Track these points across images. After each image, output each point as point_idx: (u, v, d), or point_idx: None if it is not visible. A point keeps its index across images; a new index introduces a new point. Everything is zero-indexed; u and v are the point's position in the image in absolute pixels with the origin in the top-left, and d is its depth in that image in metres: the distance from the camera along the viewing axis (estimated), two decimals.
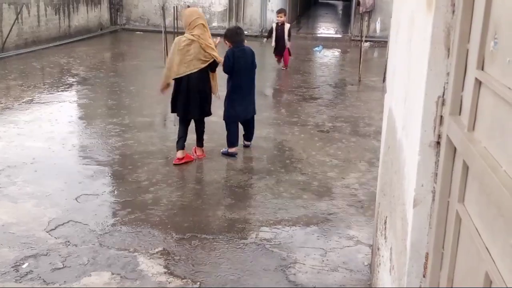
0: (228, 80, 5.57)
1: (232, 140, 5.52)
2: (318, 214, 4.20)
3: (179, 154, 5.21)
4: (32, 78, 9.07)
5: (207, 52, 5.14)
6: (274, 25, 10.77)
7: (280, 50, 10.68)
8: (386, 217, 2.72)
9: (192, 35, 5.12)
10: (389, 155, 2.79)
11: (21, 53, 11.19)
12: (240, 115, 5.58)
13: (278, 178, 4.93)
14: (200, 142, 5.46)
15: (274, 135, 6.31)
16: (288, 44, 10.61)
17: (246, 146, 5.79)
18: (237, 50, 5.48)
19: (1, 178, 4.66)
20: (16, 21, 11.42)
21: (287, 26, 10.56)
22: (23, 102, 7.33)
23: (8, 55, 10.85)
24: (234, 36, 5.54)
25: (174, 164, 5.14)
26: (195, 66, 5.13)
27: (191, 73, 5.11)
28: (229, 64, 5.42)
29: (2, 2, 11.04)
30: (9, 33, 11.13)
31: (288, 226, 3.99)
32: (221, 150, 5.58)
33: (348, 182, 4.89)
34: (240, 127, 5.71)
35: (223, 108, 5.59)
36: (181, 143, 5.25)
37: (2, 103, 7.20)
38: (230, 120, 5.54)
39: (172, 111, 5.37)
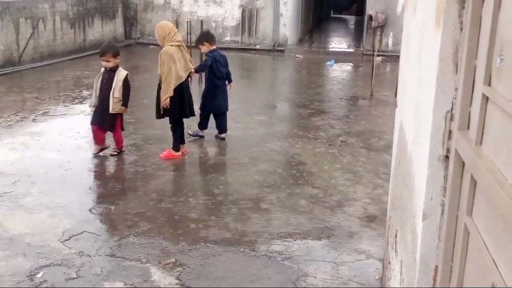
0: (210, 79, 6.40)
1: (203, 126, 6.50)
2: (329, 228, 4.22)
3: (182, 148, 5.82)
4: (48, 91, 9.23)
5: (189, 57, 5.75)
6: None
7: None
8: (397, 230, 2.74)
9: (177, 41, 5.53)
10: (400, 169, 2.81)
11: (37, 66, 11.39)
12: (216, 109, 6.46)
13: (289, 191, 4.96)
14: (183, 140, 5.86)
15: (286, 148, 6.35)
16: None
17: (222, 139, 6.46)
18: (216, 54, 6.35)
19: (17, 189, 4.75)
20: (33, 35, 11.65)
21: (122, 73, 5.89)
22: (38, 115, 7.47)
23: (25, 68, 11.05)
24: (212, 37, 6.44)
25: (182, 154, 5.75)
26: (188, 69, 5.66)
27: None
28: (206, 66, 6.26)
29: (19, 17, 11.28)
30: (25, 46, 11.36)
31: (299, 239, 4.01)
32: (190, 132, 6.44)
33: (360, 196, 4.90)
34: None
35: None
36: (181, 140, 5.80)
37: (18, 115, 7.34)
38: (207, 112, 6.47)
39: (181, 116, 5.73)
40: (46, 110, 7.68)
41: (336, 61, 13.98)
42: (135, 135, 6.57)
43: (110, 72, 5.59)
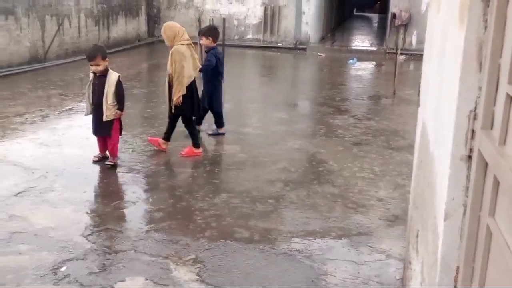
0: (212, 76, 6.39)
1: (222, 124, 6.58)
2: (350, 227, 4.21)
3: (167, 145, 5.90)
4: (72, 87, 9.38)
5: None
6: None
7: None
8: (418, 230, 2.72)
9: (186, 40, 5.58)
10: (422, 168, 2.79)
11: (62, 63, 11.59)
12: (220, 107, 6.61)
13: (310, 190, 4.96)
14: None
15: (307, 147, 6.34)
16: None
17: (222, 134, 6.56)
18: (218, 52, 6.43)
19: (42, 183, 4.85)
20: (58, 32, 11.85)
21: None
22: (63, 111, 7.60)
23: (50, 65, 11.26)
24: (217, 35, 6.43)
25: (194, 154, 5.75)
26: (197, 68, 5.78)
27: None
28: (212, 64, 6.24)
29: (45, 14, 11.48)
30: (51, 43, 11.56)
31: (319, 238, 4.01)
32: (210, 132, 6.53)
33: (381, 195, 4.87)
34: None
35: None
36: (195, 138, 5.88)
37: (43, 111, 7.48)
38: (221, 109, 6.57)
39: (192, 114, 5.81)
40: (71, 107, 7.81)
41: (359, 60, 13.90)
42: (158, 131, 6.63)
43: (100, 78, 5.27)
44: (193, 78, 5.66)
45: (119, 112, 5.37)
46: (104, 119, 5.27)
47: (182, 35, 5.58)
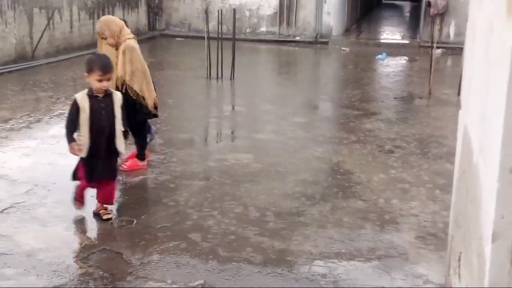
0: None
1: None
2: (381, 247, 4.18)
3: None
4: (64, 89, 9.48)
5: None
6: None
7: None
8: (461, 252, 2.70)
9: (130, 33, 5.54)
10: (464, 181, 2.77)
11: (52, 61, 11.72)
12: None
13: (334, 205, 4.94)
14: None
15: (330, 155, 6.33)
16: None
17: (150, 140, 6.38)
18: None
19: (30, 198, 4.89)
20: (48, 26, 11.99)
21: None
22: (53, 116, 7.67)
23: (39, 64, 11.38)
24: None
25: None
26: None
27: None
28: None
29: (33, 7, 11.63)
30: (39, 39, 11.70)
31: (345, 260, 3.99)
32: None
33: (416, 211, 4.83)
34: None
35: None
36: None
37: (31, 116, 7.56)
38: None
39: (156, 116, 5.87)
40: (62, 111, 7.87)
41: (388, 54, 13.87)
42: (159, 138, 6.66)
43: (105, 99, 4.39)
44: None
45: (125, 141, 4.64)
46: (123, 153, 4.59)
47: (126, 29, 5.55)
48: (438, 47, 11.98)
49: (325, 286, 3.65)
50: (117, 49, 5.44)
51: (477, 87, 2.56)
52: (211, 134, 7.38)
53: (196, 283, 3.65)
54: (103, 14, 14.37)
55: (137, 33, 16.12)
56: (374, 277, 3.78)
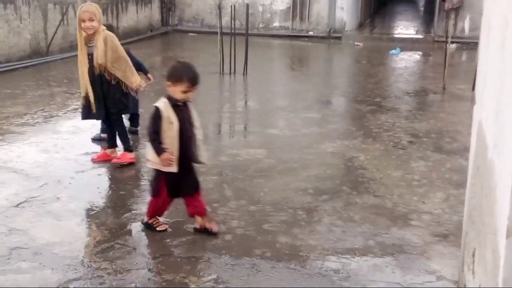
0: None
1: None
2: (394, 243, 4.17)
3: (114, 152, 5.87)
4: (78, 84, 9.47)
5: None
6: None
7: None
8: (475, 249, 2.68)
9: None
10: (478, 177, 2.75)
11: (66, 57, 11.77)
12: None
13: (347, 200, 4.93)
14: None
15: (343, 150, 6.31)
16: None
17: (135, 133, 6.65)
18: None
19: (44, 193, 4.93)
20: (62, 22, 12.06)
21: None
22: (68, 111, 7.72)
23: (53, 59, 11.46)
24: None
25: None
26: None
27: None
28: None
29: (47, 2, 11.70)
30: (54, 35, 11.77)
31: (358, 256, 3.98)
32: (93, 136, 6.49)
33: (430, 207, 4.81)
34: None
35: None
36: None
37: (46, 112, 7.62)
38: None
39: (128, 112, 6.11)
40: (76, 106, 7.92)
41: (402, 49, 13.79)
42: None
43: (185, 107, 4.15)
44: None
45: None
46: (206, 163, 4.36)
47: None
48: (452, 42, 11.89)
49: (338, 281, 3.65)
50: (92, 37, 5.43)
51: (492, 82, 2.54)
52: (224, 129, 7.39)
53: (209, 277, 3.66)
54: (117, 10, 14.44)
55: (150, 28, 16.21)
56: (387, 272, 3.77)
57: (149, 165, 4.21)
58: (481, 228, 2.51)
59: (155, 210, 4.29)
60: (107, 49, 5.41)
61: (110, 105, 5.58)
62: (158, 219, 4.32)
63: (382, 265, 3.86)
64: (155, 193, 4.22)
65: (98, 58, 5.40)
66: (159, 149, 4.00)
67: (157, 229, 4.26)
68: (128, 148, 5.80)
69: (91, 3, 5.76)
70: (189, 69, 4.09)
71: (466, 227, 3.18)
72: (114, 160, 5.69)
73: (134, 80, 5.59)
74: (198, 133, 4.15)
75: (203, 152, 4.18)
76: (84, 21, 5.35)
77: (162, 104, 4.04)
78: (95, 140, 6.46)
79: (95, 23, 5.36)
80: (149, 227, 4.29)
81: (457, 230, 4.18)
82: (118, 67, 5.48)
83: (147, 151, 4.18)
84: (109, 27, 5.79)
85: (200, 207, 4.24)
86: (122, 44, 5.68)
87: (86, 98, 5.61)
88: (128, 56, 5.81)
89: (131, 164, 5.69)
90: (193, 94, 4.13)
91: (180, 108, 4.07)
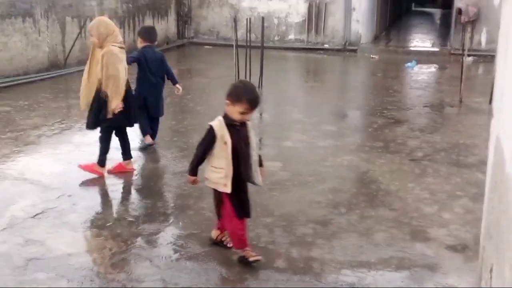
0: (141, 77, 6.62)
1: (144, 130, 6.63)
2: (410, 258, 4.13)
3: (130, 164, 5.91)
4: None
5: None
6: None
7: None
8: (492, 264, 2.65)
9: (120, 43, 5.61)
10: (496, 191, 2.72)
11: (83, 70, 11.87)
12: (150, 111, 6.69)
13: (362, 214, 4.90)
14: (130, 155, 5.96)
15: (358, 163, 6.29)
16: None
17: (151, 145, 6.64)
18: (146, 51, 6.59)
19: (61, 204, 4.97)
20: (79, 35, 12.20)
21: None
22: (84, 123, 7.76)
23: (70, 72, 11.56)
24: (146, 33, 6.76)
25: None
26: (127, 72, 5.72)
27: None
28: (132, 57, 6.44)
29: (65, 15, 11.85)
30: (71, 48, 11.89)
31: (374, 270, 3.95)
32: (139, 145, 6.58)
33: (447, 221, 4.77)
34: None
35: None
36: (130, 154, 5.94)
37: (63, 123, 7.69)
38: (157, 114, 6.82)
39: (129, 125, 5.88)
40: None
41: (418, 62, 13.73)
42: (188, 145, 6.70)
43: (242, 126, 3.97)
44: (127, 83, 5.69)
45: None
46: (260, 185, 4.15)
47: (116, 36, 5.58)
48: (469, 55, 11.82)
49: None
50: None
51: (510, 96, 2.53)
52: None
53: None
54: (134, 23, 14.58)
55: (166, 41, 16.33)
56: (404, 287, 3.74)
57: (206, 184, 4.08)
58: (499, 244, 2.48)
59: (238, 238, 4.02)
60: (103, 65, 5.49)
61: (103, 118, 5.63)
62: (247, 250, 4.01)
63: (397, 280, 3.83)
64: (241, 213, 4.03)
65: (98, 73, 5.55)
66: (191, 169, 4.04)
67: (250, 260, 3.96)
68: (101, 161, 5.74)
69: (99, 18, 5.88)
70: (250, 91, 3.92)
71: (483, 242, 3.15)
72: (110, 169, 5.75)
73: (113, 102, 5.50)
74: (254, 154, 3.96)
75: (257, 174, 3.97)
76: (91, 35, 5.59)
77: (217, 122, 3.91)
78: (142, 148, 6.60)
79: (93, 38, 5.53)
80: (242, 261, 4.00)
81: (474, 245, 4.14)
82: (105, 85, 5.50)
83: (206, 170, 4.04)
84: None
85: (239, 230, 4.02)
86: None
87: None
88: (162, 64, 6.49)
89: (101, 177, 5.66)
90: (250, 116, 3.96)
91: (236, 128, 3.90)
